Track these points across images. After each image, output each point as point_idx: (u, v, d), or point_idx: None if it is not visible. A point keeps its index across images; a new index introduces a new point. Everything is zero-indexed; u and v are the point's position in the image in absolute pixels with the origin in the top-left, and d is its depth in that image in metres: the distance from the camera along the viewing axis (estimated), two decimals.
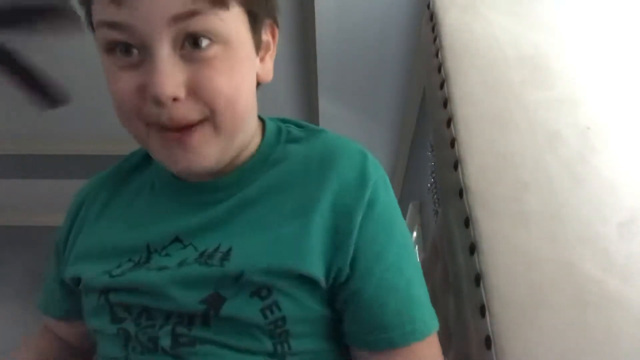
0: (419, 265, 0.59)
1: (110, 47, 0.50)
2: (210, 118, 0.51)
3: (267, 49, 0.60)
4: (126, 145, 0.66)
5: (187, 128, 0.51)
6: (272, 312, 0.52)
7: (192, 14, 0.48)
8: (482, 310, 0.65)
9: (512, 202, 0.73)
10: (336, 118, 2.13)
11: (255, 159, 0.60)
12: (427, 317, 0.55)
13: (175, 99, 0.49)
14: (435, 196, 1.28)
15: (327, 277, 0.53)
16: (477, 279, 0.67)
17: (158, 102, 0.49)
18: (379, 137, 2.24)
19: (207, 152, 0.53)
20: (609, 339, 0.61)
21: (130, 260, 0.58)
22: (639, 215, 0.72)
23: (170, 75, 0.48)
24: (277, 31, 0.61)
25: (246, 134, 0.59)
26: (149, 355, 0.53)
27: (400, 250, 0.56)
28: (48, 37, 1.66)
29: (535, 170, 0.76)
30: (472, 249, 0.70)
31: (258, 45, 0.57)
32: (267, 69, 0.59)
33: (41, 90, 1.94)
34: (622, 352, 0.60)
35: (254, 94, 0.58)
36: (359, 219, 0.54)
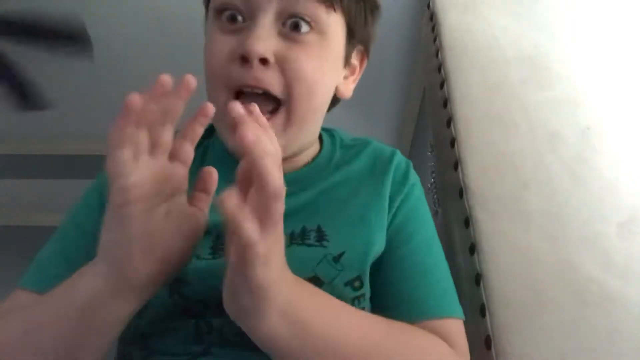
0: (445, 260, 0.61)
1: (220, 10, 0.53)
2: (286, 103, 0.53)
3: (352, 72, 0.64)
4: None
5: (267, 113, 0.53)
6: (359, 302, 0.54)
7: None
8: (482, 310, 0.65)
9: (512, 202, 0.73)
10: (336, 118, 2.12)
11: (320, 159, 0.64)
12: (445, 300, 0.56)
13: (262, 61, 0.50)
14: (435, 196, 1.28)
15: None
16: (477, 279, 0.67)
17: (246, 58, 0.50)
18: (379, 137, 2.24)
19: (279, 140, 0.52)
20: (608, 339, 0.61)
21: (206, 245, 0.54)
22: (639, 215, 0.72)
23: (264, 39, 0.51)
24: (365, 61, 0.65)
25: (311, 133, 0.62)
26: (233, 350, 0.50)
27: (426, 239, 0.60)
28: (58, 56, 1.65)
29: (535, 170, 0.76)
30: (472, 249, 0.70)
31: (347, 59, 0.61)
32: (348, 87, 0.63)
33: (21, 91, 1.93)
34: (622, 351, 0.60)
35: (329, 97, 0.61)
36: (397, 203, 0.60)
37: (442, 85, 0.91)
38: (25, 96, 1.94)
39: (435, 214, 1.23)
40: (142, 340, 0.54)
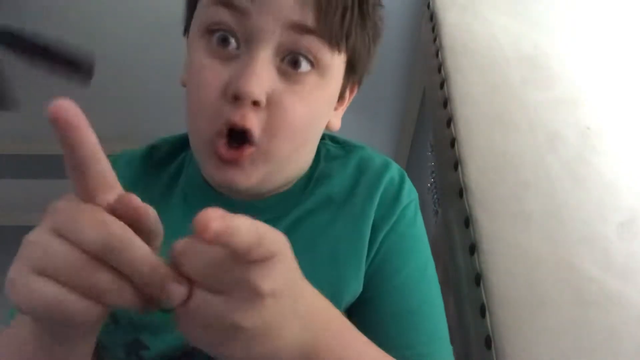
0: (438, 293, 0.56)
1: (210, 29, 0.46)
2: (265, 142, 0.47)
3: (342, 102, 0.58)
4: (124, 144, 0.65)
5: (242, 144, 0.47)
6: None
7: (310, 31, 0.46)
8: (482, 310, 0.65)
9: (512, 202, 0.73)
10: None
11: (300, 179, 0.57)
12: (433, 346, 0.52)
13: (254, 103, 0.45)
14: (435, 196, 1.28)
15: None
16: (477, 279, 0.67)
17: (238, 98, 0.45)
18: (378, 137, 2.24)
19: (256, 175, 0.49)
20: (608, 339, 0.61)
21: None
22: (639, 215, 0.72)
23: (262, 78, 0.45)
24: (356, 89, 0.59)
25: (299, 165, 0.56)
26: None
27: (415, 273, 0.55)
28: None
29: (535, 170, 0.76)
30: (472, 249, 0.70)
31: (342, 94, 0.56)
32: (337, 119, 0.58)
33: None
34: (622, 351, 0.60)
35: (319, 135, 0.56)
36: (383, 234, 0.54)
37: (442, 85, 0.91)
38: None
39: (435, 214, 1.23)
40: None
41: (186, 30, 0.52)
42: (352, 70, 0.53)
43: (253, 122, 0.46)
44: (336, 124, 0.57)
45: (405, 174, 0.59)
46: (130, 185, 0.47)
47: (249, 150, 0.46)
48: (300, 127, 0.48)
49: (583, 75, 0.90)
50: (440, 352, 0.52)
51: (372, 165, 0.58)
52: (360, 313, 0.53)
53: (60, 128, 0.29)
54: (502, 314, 0.63)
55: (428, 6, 1.08)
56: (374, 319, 0.52)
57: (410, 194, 0.57)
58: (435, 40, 0.99)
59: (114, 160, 0.48)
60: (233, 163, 0.47)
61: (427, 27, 1.07)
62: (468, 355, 0.68)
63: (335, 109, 0.56)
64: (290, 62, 0.46)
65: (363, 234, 0.54)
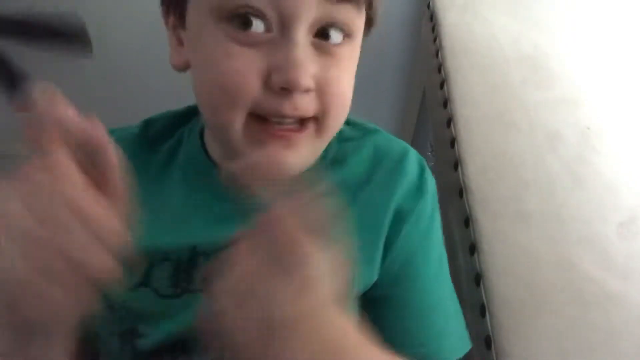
0: (452, 286, 0.55)
1: (232, 15, 0.42)
2: (320, 117, 0.45)
3: None
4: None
5: (296, 124, 0.45)
6: None
7: (346, 0, 0.43)
8: (482, 310, 0.65)
9: (512, 202, 0.73)
10: None
11: (320, 161, 0.53)
12: (450, 342, 0.51)
13: (305, 91, 0.43)
14: None
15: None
16: (477, 279, 0.67)
17: (290, 91, 0.42)
18: None
19: (307, 153, 0.46)
20: (608, 339, 0.61)
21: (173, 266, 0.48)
22: (639, 215, 0.72)
23: (307, 64, 0.42)
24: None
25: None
26: None
27: (435, 268, 0.53)
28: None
29: (535, 170, 0.76)
30: (472, 249, 0.70)
31: None
32: None
33: (12, 87, 1.91)
34: (622, 351, 0.60)
35: None
36: (407, 226, 0.51)
37: (442, 85, 0.91)
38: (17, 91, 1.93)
39: None
40: None
41: (170, 4, 0.47)
42: (369, 23, 0.49)
43: (306, 108, 0.44)
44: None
45: (425, 162, 0.56)
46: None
47: (307, 131, 0.45)
48: (347, 96, 0.46)
49: (583, 75, 0.90)
50: (457, 346, 0.52)
51: (390, 152, 0.54)
52: (379, 308, 0.50)
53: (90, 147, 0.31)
54: (502, 314, 0.63)
55: (428, 6, 1.08)
56: (393, 315, 0.50)
57: (431, 183, 0.54)
58: (435, 40, 0.99)
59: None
60: (287, 141, 0.44)
61: (427, 27, 1.07)
62: (468, 356, 0.68)
63: None
64: (320, 34, 0.43)
65: (380, 223, 0.50)
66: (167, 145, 0.56)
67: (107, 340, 0.50)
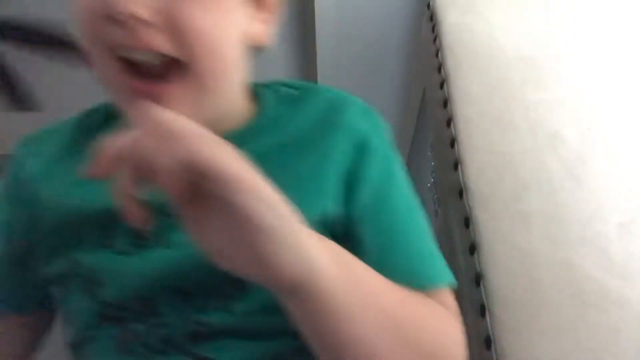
0: (425, 220, 0.54)
1: None
2: (190, 66, 0.43)
3: (263, 7, 0.50)
4: None
5: (161, 77, 0.43)
6: None
7: None
8: (482, 310, 0.65)
9: (512, 202, 0.73)
10: None
11: (257, 119, 0.52)
12: (437, 267, 0.50)
13: (138, 19, 0.40)
14: (435, 196, 1.28)
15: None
16: (477, 279, 0.67)
17: (111, 17, 0.40)
18: None
19: (186, 111, 0.41)
20: (608, 339, 0.61)
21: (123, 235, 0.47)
22: (639, 215, 0.72)
23: None
24: None
25: (232, 94, 0.51)
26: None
27: (406, 202, 0.52)
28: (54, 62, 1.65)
29: (535, 170, 0.76)
30: (472, 249, 0.70)
31: None
32: (263, 30, 0.50)
33: (11, 90, 1.91)
34: (622, 351, 0.60)
35: (240, 45, 0.48)
36: (365, 165, 0.50)
37: (442, 85, 0.91)
38: (17, 95, 1.93)
39: (435, 214, 1.23)
40: (72, 351, 0.50)
41: None
42: None
43: (156, 41, 0.41)
44: (262, 36, 0.50)
45: (371, 110, 0.55)
46: (64, 150, 0.50)
47: (176, 84, 0.43)
48: (215, 39, 0.43)
49: (583, 75, 0.90)
50: (443, 272, 0.50)
51: (335, 103, 0.53)
52: (362, 246, 0.48)
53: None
54: (502, 314, 0.63)
55: (428, 6, 1.08)
56: (375, 249, 0.48)
57: (381, 125, 0.54)
58: (435, 40, 0.99)
59: (46, 131, 0.50)
60: (154, 98, 0.42)
61: (427, 27, 1.07)
62: (468, 355, 0.68)
63: (259, 19, 0.49)
64: None
65: (324, 157, 0.49)
66: (108, 132, 0.55)
67: (70, 298, 0.49)
